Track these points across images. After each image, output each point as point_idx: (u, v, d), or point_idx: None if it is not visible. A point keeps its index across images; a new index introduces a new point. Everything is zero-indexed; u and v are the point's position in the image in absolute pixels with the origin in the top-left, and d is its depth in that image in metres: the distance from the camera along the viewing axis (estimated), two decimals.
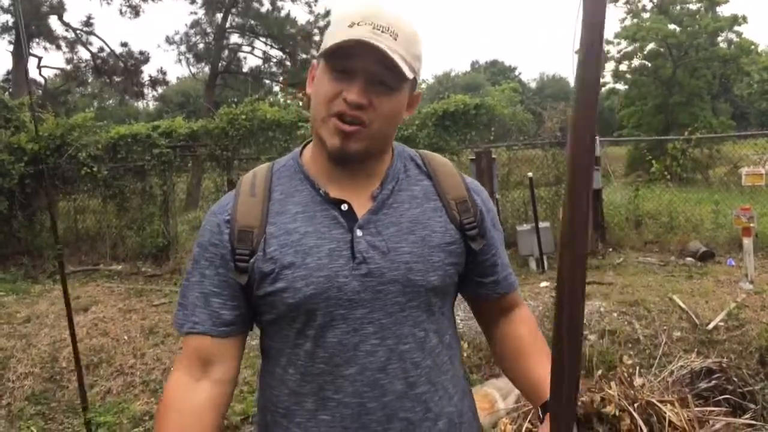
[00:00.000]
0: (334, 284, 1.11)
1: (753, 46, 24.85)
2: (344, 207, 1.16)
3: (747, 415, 3.54)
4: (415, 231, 1.17)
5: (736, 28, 23.88)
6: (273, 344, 1.21)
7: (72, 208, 9.40)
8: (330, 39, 1.12)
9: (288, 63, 25.42)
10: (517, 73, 55.23)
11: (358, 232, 1.14)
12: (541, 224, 7.29)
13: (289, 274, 1.12)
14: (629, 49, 25.56)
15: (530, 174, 7.69)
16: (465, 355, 5.41)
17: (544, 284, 6.51)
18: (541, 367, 1.23)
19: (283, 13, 24.25)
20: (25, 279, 8.12)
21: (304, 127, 8.62)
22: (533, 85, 52.98)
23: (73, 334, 3.74)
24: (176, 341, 5.46)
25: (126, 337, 5.63)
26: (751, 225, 6.30)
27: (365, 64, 1.09)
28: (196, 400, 1.14)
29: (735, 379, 3.91)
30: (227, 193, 1.26)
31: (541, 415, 1.20)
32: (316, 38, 22.51)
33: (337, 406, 1.13)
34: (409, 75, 1.11)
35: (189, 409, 1.13)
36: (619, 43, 25.82)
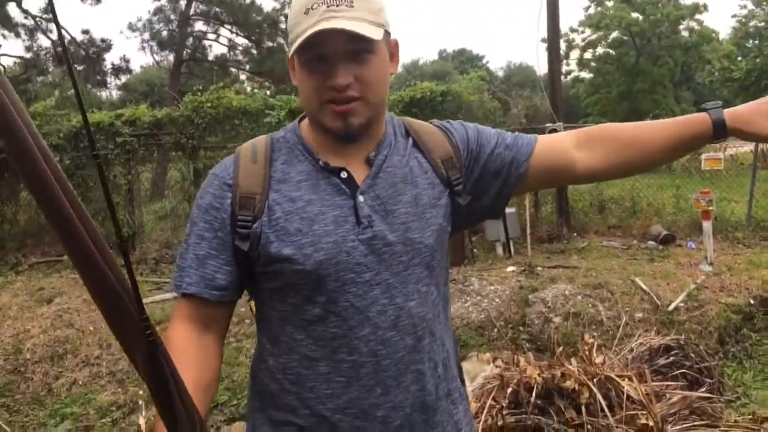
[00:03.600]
0: (343, 249, 1.14)
1: (714, 34, 25.36)
2: (344, 174, 1.19)
3: (703, 389, 3.66)
4: (407, 191, 1.22)
5: (697, 16, 24.36)
6: (276, 313, 1.21)
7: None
8: (294, 30, 1.14)
9: (254, 51, 25.14)
10: (484, 61, 55.33)
11: (360, 198, 1.18)
12: (508, 210, 7.37)
13: (297, 241, 1.14)
14: (593, 37, 25.86)
15: None
16: None
17: (510, 269, 6.59)
18: (652, 127, 1.28)
19: (248, 0, 23.95)
20: None
21: (270, 115, 8.56)
22: (500, 73, 53.21)
23: None
24: None
25: (91, 328, 5.55)
26: (711, 208, 6.46)
27: (335, 47, 1.11)
28: (203, 346, 1.19)
29: (692, 356, 4.02)
30: (227, 157, 1.26)
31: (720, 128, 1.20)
32: (282, 26, 22.24)
33: (353, 367, 1.16)
34: (379, 37, 1.12)
35: (196, 351, 1.17)
36: (583, 32, 26.11)
